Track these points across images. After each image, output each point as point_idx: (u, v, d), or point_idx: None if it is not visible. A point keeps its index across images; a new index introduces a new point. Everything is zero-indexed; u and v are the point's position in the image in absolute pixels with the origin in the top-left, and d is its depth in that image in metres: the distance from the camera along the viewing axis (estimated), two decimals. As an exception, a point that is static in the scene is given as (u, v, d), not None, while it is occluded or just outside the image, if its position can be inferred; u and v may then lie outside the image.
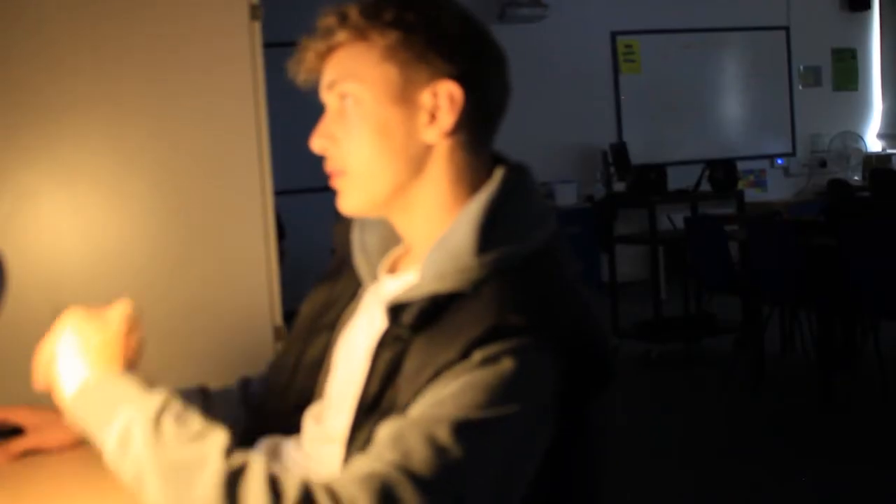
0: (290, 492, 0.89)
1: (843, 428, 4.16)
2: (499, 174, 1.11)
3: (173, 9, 2.33)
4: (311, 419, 1.23)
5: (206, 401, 1.35)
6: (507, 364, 0.97)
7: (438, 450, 0.91)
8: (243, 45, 2.37)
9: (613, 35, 8.40)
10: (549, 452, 1.02)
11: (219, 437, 0.94)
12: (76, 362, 1.09)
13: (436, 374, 0.98)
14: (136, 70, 2.31)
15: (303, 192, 6.13)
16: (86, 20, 2.28)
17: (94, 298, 2.29)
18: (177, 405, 0.99)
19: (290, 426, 1.25)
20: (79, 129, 2.29)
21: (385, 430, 0.95)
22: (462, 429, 0.93)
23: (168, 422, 0.96)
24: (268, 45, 2.44)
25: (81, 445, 1.39)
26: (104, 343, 1.11)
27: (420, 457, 0.91)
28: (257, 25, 2.38)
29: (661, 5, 8.44)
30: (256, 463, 0.92)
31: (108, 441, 0.99)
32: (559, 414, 1.01)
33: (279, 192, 2.46)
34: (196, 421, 0.97)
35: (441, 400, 0.96)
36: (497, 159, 1.15)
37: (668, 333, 5.69)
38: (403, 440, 0.93)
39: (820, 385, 4.48)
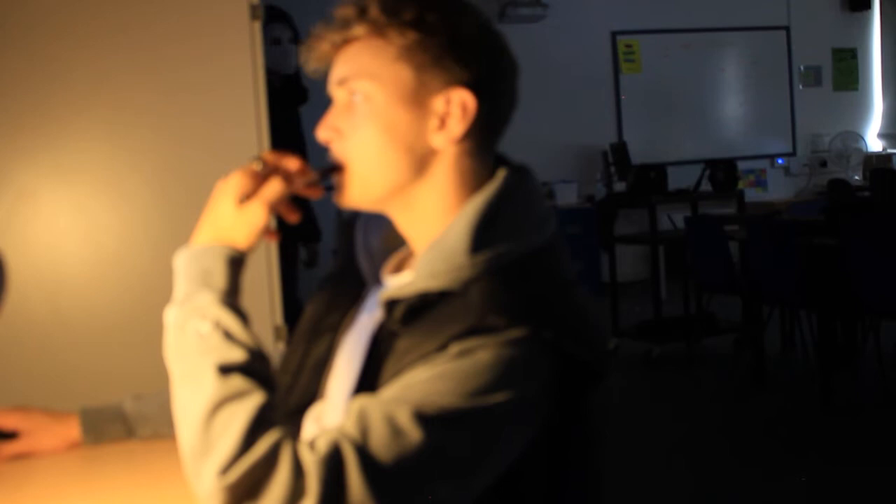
0: (262, 445, 0.91)
1: (844, 428, 4.16)
2: (500, 175, 1.10)
3: (173, 9, 2.33)
4: (312, 419, 1.23)
5: None
6: (482, 356, 0.97)
7: (395, 432, 0.92)
8: (243, 44, 2.37)
9: (613, 35, 8.40)
10: (547, 449, 1.02)
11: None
12: (218, 217, 1.10)
13: (411, 364, 0.98)
14: (137, 70, 2.31)
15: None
16: (86, 22, 2.28)
17: (95, 298, 2.29)
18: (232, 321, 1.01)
19: (293, 427, 1.25)
20: (79, 130, 2.29)
21: (354, 405, 0.96)
22: (423, 415, 0.93)
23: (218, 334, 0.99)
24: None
25: (73, 449, 1.40)
26: (243, 217, 1.08)
27: (377, 436, 0.92)
28: (257, 25, 2.38)
29: (661, 5, 8.44)
30: (252, 402, 0.94)
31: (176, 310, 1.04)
32: (554, 411, 1.01)
33: (279, 192, 2.45)
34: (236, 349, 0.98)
35: (411, 384, 0.96)
36: (500, 160, 1.15)
37: (669, 333, 5.69)
38: (366, 418, 0.93)
39: (820, 385, 4.47)
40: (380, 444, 0.91)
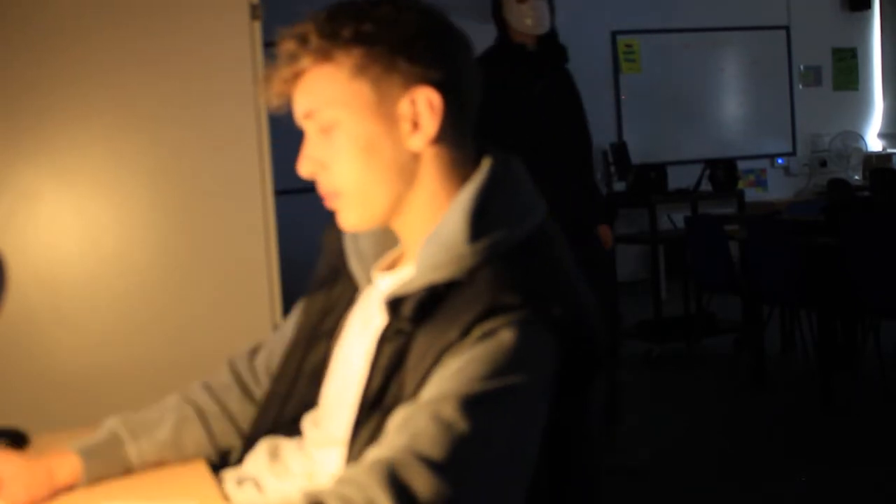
0: None
1: (844, 428, 4.15)
2: (486, 164, 1.11)
3: (173, 8, 2.33)
4: (310, 424, 1.23)
5: (204, 421, 1.34)
6: (506, 336, 0.97)
7: (445, 426, 0.91)
8: (243, 44, 2.37)
9: (613, 35, 8.40)
10: (549, 438, 1.02)
11: None
12: None
13: (437, 358, 0.98)
14: (137, 71, 2.31)
15: (303, 192, 6.13)
16: (86, 24, 2.28)
17: (95, 298, 2.29)
18: None
19: (291, 432, 1.25)
20: (79, 130, 2.29)
21: (395, 418, 0.95)
22: (467, 403, 0.93)
23: None
24: (268, 45, 2.44)
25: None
26: None
27: (427, 436, 0.90)
28: (257, 25, 2.38)
29: (661, 5, 8.43)
30: None
31: None
32: (556, 396, 1.01)
33: (279, 192, 2.45)
34: None
35: (445, 379, 0.96)
36: (483, 149, 1.14)
37: (669, 333, 5.69)
38: (411, 423, 0.93)
39: (820, 385, 4.47)
40: (432, 442, 0.90)
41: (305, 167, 1.12)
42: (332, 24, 1.08)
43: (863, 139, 9.02)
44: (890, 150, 8.92)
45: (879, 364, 4.48)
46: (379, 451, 0.92)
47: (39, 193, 2.26)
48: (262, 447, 1.25)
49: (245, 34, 2.36)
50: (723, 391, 4.89)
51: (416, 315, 1.02)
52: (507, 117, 3.38)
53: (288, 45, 1.09)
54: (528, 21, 3.52)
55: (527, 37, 3.53)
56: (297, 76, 1.10)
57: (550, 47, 3.64)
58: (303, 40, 1.08)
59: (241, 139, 2.35)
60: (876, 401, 4.46)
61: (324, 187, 1.12)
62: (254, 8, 2.38)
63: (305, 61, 1.09)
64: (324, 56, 1.08)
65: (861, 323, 4.97)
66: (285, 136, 2.71)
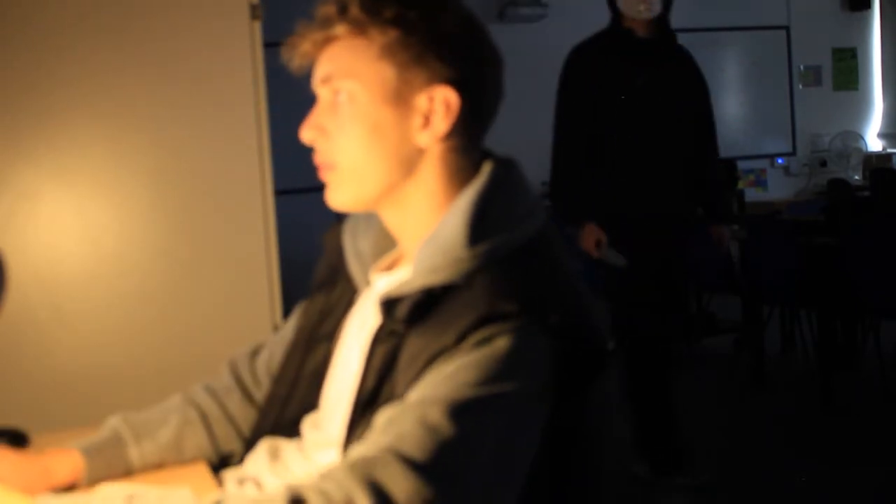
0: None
1: (844, 428, 4.15)
2: (487, 168, 1.11)
3: (174, 8, 2.33)
4: (310, 426, 1.23)
5: (207, 426, 1.34)
6: (500, 344, 0.97)
7: (431, 430, 0.91)
8: (243, 44, 2.37)
9: (613, 35, 8.40)
10: (549, 439, 1.02)
11: (183, 492, 0.93)
12: None
13: (430, 361, 0.97)
14: (137, 71, 2.31)
15: (303, 192, 6.13)
16: (86, 23, 2.28)
17: (95, 298, 2.29)
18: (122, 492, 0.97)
19: (291, 434, 1.25)
20: (79, 130, 2.29)
21: (381, 417, 0.95)
22: (455, 408, 0.92)
23: None
24: (268, 45, 2.44)
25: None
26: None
27: (412, 438, 0.90)
28: (257, 25, 2.38)
29: (661, 5, 8.43)
30: (231, 495, 0.91)
31: None
32: (557, 400, 1.01)
33: (279, 192, 2.46)
34: (152, 493, 0.95)
35: (435, 383, 0.95)
36: (484, 154, 1.15)
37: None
38: (397, 424, 0.92)
39: (820, 385, 4.47)
40: (416, 445, 0.89)
41: (308, 133, 1.12)
42: (376, 1, 1.08)
43: (863, 139, 9.02)
44: (890, 150, 8.92)
45: (879, 364, 4.48)
46: (363, 449, 0.91)
47: (39, 193, 2.27)
48: (263, 447, 1.25)
49: (245, 34, 2.37)
50: (723, 391, 4.88)
51: (410, 316, 1.02)
52: (607, 107, 3.30)
53: (326, 9, 1.10)
54: (640, 7, 3.40)
55: (636, 23, 3.38)
56: (327, 41, 1.10)
57: (663, 35, 3.46)
58: (343, 8, 1.09)
59: (241, 139, 2.35)
60: (876, 401, 4.46)
61: (320, 157, 1.12)
62: (254, 8, 2.38)
63: (339, 29, 1.09)
64: (359, 28, 1.08)
65: (861, 323, 4.97)
66: (285, 136, 2.72)
